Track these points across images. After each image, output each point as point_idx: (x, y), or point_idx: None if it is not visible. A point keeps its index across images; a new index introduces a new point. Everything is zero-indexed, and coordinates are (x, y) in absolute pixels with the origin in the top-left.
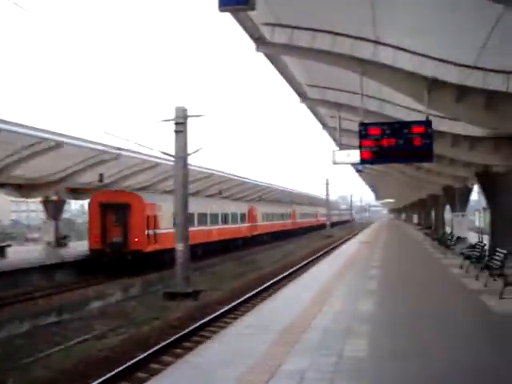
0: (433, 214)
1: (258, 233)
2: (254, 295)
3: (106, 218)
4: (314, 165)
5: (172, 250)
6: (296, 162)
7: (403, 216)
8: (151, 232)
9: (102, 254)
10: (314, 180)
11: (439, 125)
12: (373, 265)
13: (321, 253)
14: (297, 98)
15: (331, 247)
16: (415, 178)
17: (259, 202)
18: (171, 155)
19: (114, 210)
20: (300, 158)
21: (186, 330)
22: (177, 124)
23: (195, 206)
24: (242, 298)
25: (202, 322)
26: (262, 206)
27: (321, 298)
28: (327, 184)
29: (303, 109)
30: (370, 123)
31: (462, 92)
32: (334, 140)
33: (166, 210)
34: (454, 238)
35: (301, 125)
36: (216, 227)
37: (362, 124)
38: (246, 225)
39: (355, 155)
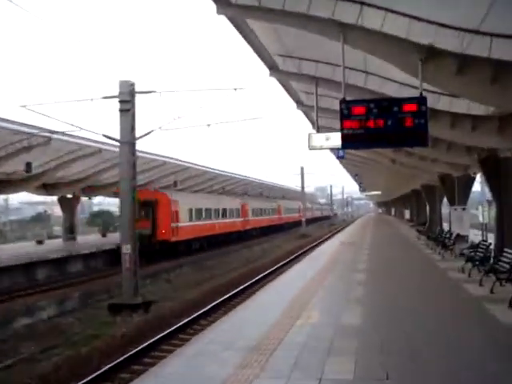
0: (427, 208)
1: (250, 227)
2: (218, 304)
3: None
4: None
5: (191, 240)
6: (267, 147)
7: (393, 211)
8: (174, 225)
9: None
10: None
11: (435, 102)
12: (358, 268)
13: (292, 256)
14: (266, 71)
15: (307, 248)
16: (407, 166)
17: (250, 198)
18: (116, 139)
19: (144, 205)
20: (271, 143)
21: (133, 351)
22: (122, 102)
23: (204, 202)
24: (204, 309)
25: (151, 340)
26: (252, 202)
27: (295, 310)
28: (302, 173)
29: (274, 84)
30: (353, 100)
31: (463, 62)
32: (311, 121)
33: (182, 206)
34: (453, 237)
35: (271, 103)
36: (218, 221)
37: (343, 101)
38: (241, 219)
39: (335, 139)
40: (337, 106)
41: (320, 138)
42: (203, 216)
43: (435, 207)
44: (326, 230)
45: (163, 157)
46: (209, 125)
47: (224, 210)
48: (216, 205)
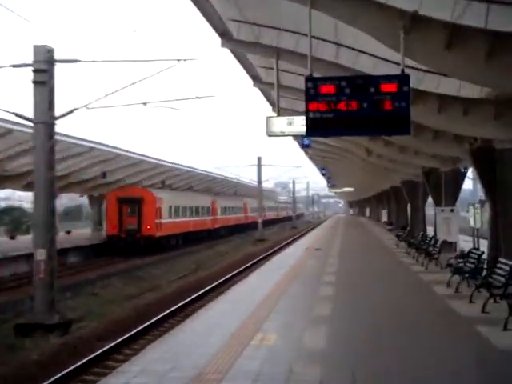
0: (409, 208)
1: (218, 226)
2: (151, 325)
3: (121, 209)
4: (243, 136)
5: (171, 236)
6: (219, 131)
7: (367, 211)
8: (158, 221)
9: (119, 238)
10: (242, 158)
11: (420, 82)
12: (325, 280)
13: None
14: (218, 40)
15: (265, 255)
16: (385, 159)
17: (219, 196)
18: (28, 118)
19: (130, 202)
20: (224, 126)
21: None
22: (36, 72)
23: (181, 199)
24: (134, 331)
25: (67, 370)
26: (221, 200)
27: (247, 330)
28: (259, 165)
29: (227, 55)
30: (321, 78)
31: (454, 34)
32: (270, 102)
33: (165, 203)
34: (439, 244)
35: (224, 79)
36: (192, 219)
37: (309, 79)
38: (210, 218)
39: (300, 124)
40: (301, 84)
41: (281, 123)
42: (180, 213)
43: (418, 208)
44: (286, 234)
45: (90, 142)
46: (145, 103)
47: (197, 208)
48: (191, 202)
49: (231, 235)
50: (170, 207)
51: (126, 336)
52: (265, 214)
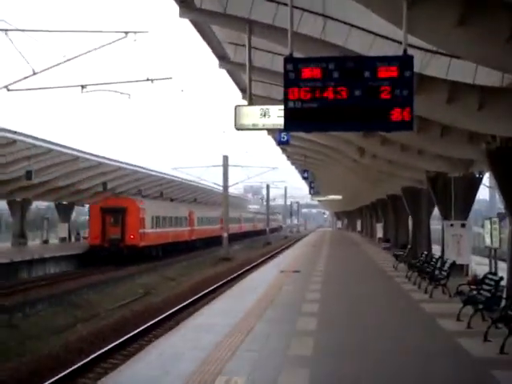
0: (410, 222)
1: (194, 237)
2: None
3: (105, 219)
4: (205, 131)
5: (152, 246)
6: (176, 125)
7: (358, 225)
8: (141, 231)
9: (102, 248)
10: (204, 158)
11: (425, 65)
12: (306, 310)
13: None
14: (176, 9)
15: (229, 278)
16: (381, 160)
17: (196, 205)
18: None
19: (113, 212)
20: (183, 119)
21: None
22: None
23: (162, 209)
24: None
25: None
26: (198, 210)
27: None
28: (225, 166)
29: (187, 28)
30: (304, 58)
31: (470, 5)
32: (240, 87)
33: (148, 213)
34: (447, 266)
35: (183, 59)
36: (172, 229)
37: (289, 59)
38: (188, 228)
39: (276, 115)
40: (280, 66)
41: (253, 114)
42: (161, 224)
43: (421, 221)
44: (258, 252)
45: (12, 132)
46: (84, 86)
47: (176, 218)
48: (170, 212)
49: (204, 248)
50: (152, 217)
51: None
52: (240, 226)
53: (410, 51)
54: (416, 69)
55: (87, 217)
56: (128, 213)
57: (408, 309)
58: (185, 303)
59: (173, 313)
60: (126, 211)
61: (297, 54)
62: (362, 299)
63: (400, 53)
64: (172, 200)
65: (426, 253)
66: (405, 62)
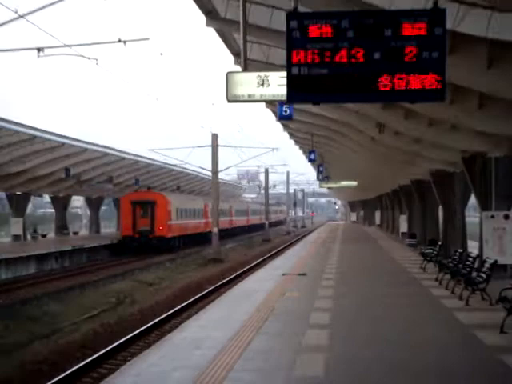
0: (440, 213)
1: (209, 229)
2: None
3: (135, 211)
4: (188, 104)
5: (177, 237)
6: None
7: (377, 217)
8: (169, 223)
9: (133, 239)
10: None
11: (461, 20)
12: (315, 322)
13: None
14: None
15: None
16: (405, 138)
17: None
18: None
19: (143, 205)
20: (163, 90)
21: None
22: None
23: (183, 202)
24: None
25: None
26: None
27: None
28: (214, 146)
29: None
30: (311, 13)
31: None
32: (232, 50)
33: (173, 206)
34: (486, 267)
35: (162, 16)
36: (191, 221)
37: (294, 14)
38: (204, 220)
39: (276, 83)
40: (281, 24)
41: (248, 82)
42: (183, 216)
43: (454, 212)
44: (255, 251)
45: None
46: (40, 49)
47: (194, 211)
48: (190, 205)
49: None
50: (177, 210)
51: None
52: (232, 221)
53: (442, 3)
54: (448, 25)
55: (52, 210)
56: (157, 206)
57: (440, 319)
58: (168, 313)
59: (153, 325)
60: (155, 204)
61: (302, 9)
62: (382, 307)
63: (429, 5)
64: (149, 188)
65: (460, 251)
66: (435, 16)
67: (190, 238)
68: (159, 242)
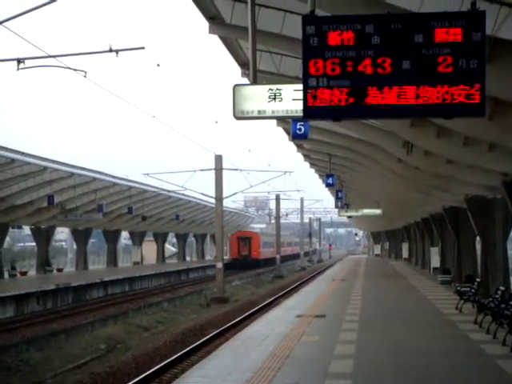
0: (480, 246)
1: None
2: None
3: (241, 244)
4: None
5: (262, 259)
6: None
7: (404, 250)
8: (259, 250)
9: (238, 260)
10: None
11: (502, 25)
12: (335, 371)
13: None
14: None
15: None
16: (436, 159)
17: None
18: None
19: (245, 240)
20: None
21: None
22: None
23: (263, 237)
24: None
25: None
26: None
27: None
28: (218, 170)
29: None
30: (331, 17)
31: None
32: (239, 60)
33: (261, 240)
34: None
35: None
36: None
37: (311, 18)
38: (272, 249)
39: (290, 98)
40: (296, 30)
41: (258, 96)
42: (265, 246)
43: (494, 244)
44: (264, 290)
45: None
46: (21, 60)
47: (269, 243)
48: (267, 239)
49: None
50: (263, 242)
51: None
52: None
53: (481, 5)
54: (488, 30)
55: (32, 243)
56: (252, 240)
57: (480, 368)
58: (166, 361)
59: (149, 375)
60: (251, 239)
61: (320, 12)
62: (411, 353)
63: (466, 8)
64: (144, 218)
65: (502, 288)
66: (473, 20)
67: (269, 261)
68: (253, 261)
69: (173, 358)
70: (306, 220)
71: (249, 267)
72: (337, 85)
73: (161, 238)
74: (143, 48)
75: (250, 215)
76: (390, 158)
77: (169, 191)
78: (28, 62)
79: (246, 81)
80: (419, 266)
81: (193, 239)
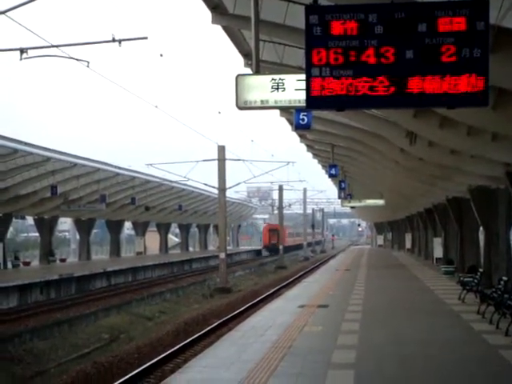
0: (483, 236)
1: (299, 243)
2: None
3: (270, 235)
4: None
5: (288, 247)
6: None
7: (407, 240)
8: (286, 239)
9: (267, 246)
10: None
11: (506, 14)
12: (338, 362)
13: None
14: None
15: None
16: (439, 149)
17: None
18: None
19: (273, 231)
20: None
21: None
22: None
23: (289, 229)
24: None
25: None
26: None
27: None
28: (221, 160)
29: None
30: (334, 6)
31: None
32: (242, 50)
33: (286, 231)
34: None
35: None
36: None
37: (314, 8)
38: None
39: (293, 87)
40: (298, 20)
41: (261, 86)
42: (289, 236)
43: (497, 235)
44: (267, 280)
45: None
46: (23, 50)
47: (293, 233)
48: (291, 230)
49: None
50: (288, 233)
51: None
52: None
53: None
54: (492, 19)
55: (36, 234)
56: (279, 231)
57: (483, 358)
58: (169, 351)
59: (152, 365)
60: (278, 230)
61: (324, 2)
62: (414, 343)
63: None
64: (147, 208)
65: (505, 279)
66: (477, 9)
67: (292, 247)
68: (278, 248)
69: (175, 348)
70: (309, 211)
71: (276, 252)
72: (340, 74)
73: (164, 229)
74: (146, 38)
75: (253, 206)
76: (393, 148)
77: (172, 181)
78: (31, 52)
79: (249, 71)
80: (422, 257)
81: (196, 229)
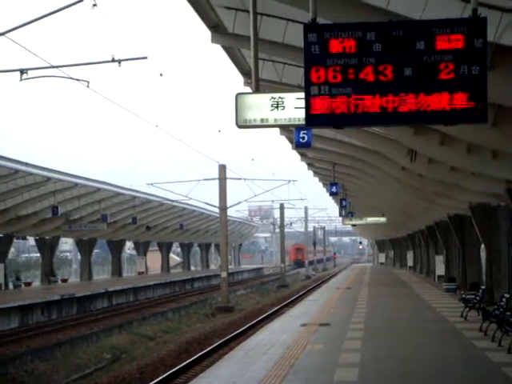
0: (484, 254)
1: (316, 259)
2: None
3: (297, 252)
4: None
5: (310, 262)
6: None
7: (409, 258)
8: (307, 255)
9: (294, 262)
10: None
11: (504, 31)
12: (340, 380)
13: None
14: None
15: None
16: (440, 167)
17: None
18: None
19: (299, 249)
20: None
21: None
22: None
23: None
24: None
25: None
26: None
27: None
28: (222, 179)
29: None
30: (332, 25)
31: None
32: (242, 69)
33: (306, 250)
34: None
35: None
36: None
37: (312, 26)
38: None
39: (292, 106)
40: (297, 38)
41: (261, 105)
42: (308, 254)
43: (499, 252)
44: (269, 299)
45: None
46: (23, 71)
47: (310, 251)
48: (310, 249)
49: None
50: (308, 251)
51: None
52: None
53: (482, 11)
54: (490, 37)
55: (37, 254)
56: (304, 250)
57: (485, 376)
58: (171, 371)
59: None
60: (304, 249)
61: (322, 19)
62: (416, 362)
63: (467, 14)
64: (148, 228)
65: (507, 296)
66: (474, 26)
67: (310, 263)
68: (303, 262)
69: (177, 367)
70: (311, 229)
71: (301, 266)
72: (338, 92)
73: (165, 248)
74: (146, 58)
75: (255, 224)
76: (394, 165)
77: (173, 201)
78: (31, 73)
79: (248, 89)
80: (424, 274)
81: (197, 249)
